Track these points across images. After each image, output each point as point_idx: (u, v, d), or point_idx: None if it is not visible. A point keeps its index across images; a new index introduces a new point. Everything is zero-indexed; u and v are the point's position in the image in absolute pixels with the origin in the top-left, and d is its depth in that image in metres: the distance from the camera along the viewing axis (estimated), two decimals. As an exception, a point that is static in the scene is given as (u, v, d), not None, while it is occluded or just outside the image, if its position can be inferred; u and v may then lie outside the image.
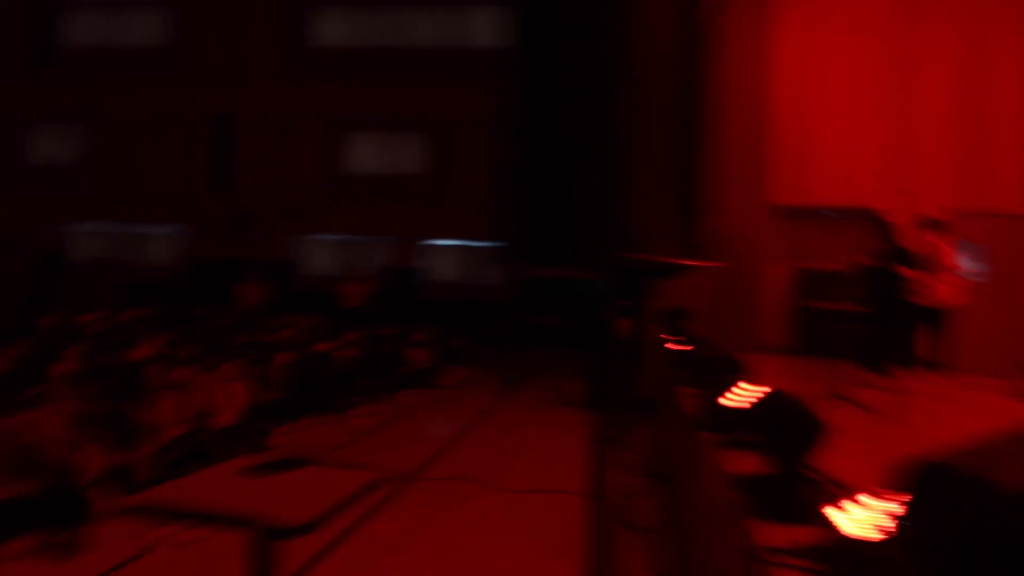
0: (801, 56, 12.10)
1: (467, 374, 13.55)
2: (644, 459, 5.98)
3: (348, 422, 9.10)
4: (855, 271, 9.10)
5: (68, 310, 12.48)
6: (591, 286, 15.63)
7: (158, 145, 23.04)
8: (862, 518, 2.19)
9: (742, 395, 3.74)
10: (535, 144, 3.94)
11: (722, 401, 4.06)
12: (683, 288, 11.05)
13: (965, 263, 8.18)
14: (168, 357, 7.71)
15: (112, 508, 4.95)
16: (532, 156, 3.94)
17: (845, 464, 3.79)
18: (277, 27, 22.72)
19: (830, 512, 2.45)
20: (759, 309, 11.97)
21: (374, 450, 7.94)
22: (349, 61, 22.39)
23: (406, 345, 12.84)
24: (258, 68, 22.59)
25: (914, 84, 11.74)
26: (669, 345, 7.65)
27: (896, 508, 1.75)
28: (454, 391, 12.17)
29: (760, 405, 3.23)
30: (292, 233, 22.31)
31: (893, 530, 1.65)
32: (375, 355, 11.63)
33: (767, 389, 3.27)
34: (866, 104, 11.83)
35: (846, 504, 2.41)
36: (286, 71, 22.61)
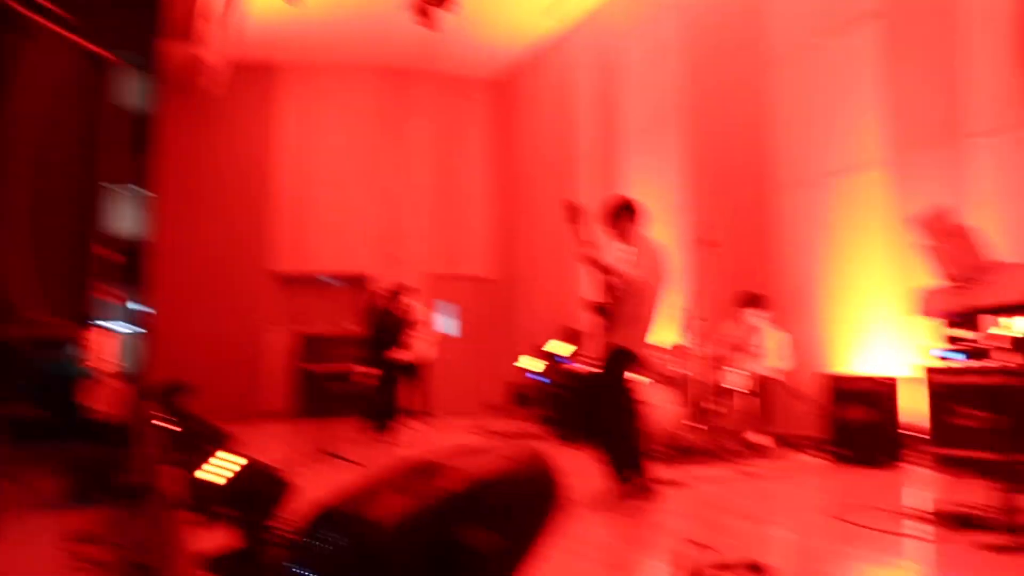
0: (302, 128, 12.60)
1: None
2: (126, 553, 5.37)
3: None
4: (352, 333, 9.62)
5: None
6: (60, 363, 13.74)
7: None
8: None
9: (218, 468, 3.59)
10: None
11: (199, 477, 3.84)
12: (180, 357, 10.43)
13: (438, 321, 9.22)
14: None
15: None
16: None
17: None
18: None
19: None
20: (260, 375, 11.89)
21: None
22: None
23: None
24: None
25: (401, 163, 13.11)
26: (159, 422, 7.08)
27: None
28: None
29: (234, 476, 3.13)
30: None
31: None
32: None
33: (236, 458, 3.18)
34: (360, 178, 12.80)
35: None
36: None
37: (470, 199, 13.54)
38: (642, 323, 4.73)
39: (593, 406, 4.86)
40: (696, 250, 8.13)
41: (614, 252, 4.84)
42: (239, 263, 11.95)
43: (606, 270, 4.73)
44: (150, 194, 11.77)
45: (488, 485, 1.33)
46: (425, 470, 1.41)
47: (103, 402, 6.56)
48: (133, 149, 11.24)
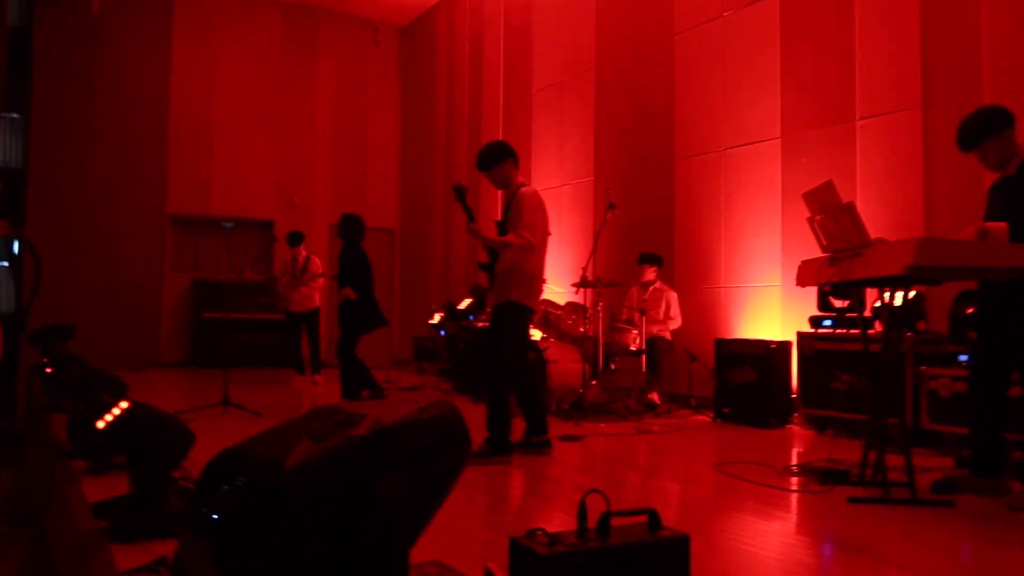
0: (201, 61, 12.02)
1: None
2: (11, 499, 5.18)
3: None
4: (254, 280, 9.40)
5: None
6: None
7: None
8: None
9: (110, 416, 3.50)
10: None
11: (94, 425, 3.74)
12: (71, 301, 9.97)
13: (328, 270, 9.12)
14: None
15: None
16: None
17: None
18: None
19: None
20: (157, 323, 11.49)
21: None
22: None
23: None
24: None
25: (305, 107, 12.72)
26: (46, 369, 6.78)
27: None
28: None
29: (124, 423, 3.07)
30: None
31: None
32: None
33: (126, 405, 3.12)
34: (262, 120, 12.35)
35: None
36: None
37: (376, 148, 13.31)
38: (528, 277, 4.72)
39: (495, 366, 4.88)
40: (597, 211, 8.32)
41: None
42: (132, 201, 11.39)
43: (494, 243, 4.75)
44: (29, 119, 11.03)
45: (395, 430, 1.38)
46: (329, 415, 1.45)
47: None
48: (11, 70, 10.46)
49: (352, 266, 7.66)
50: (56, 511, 3.94)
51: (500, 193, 5.08)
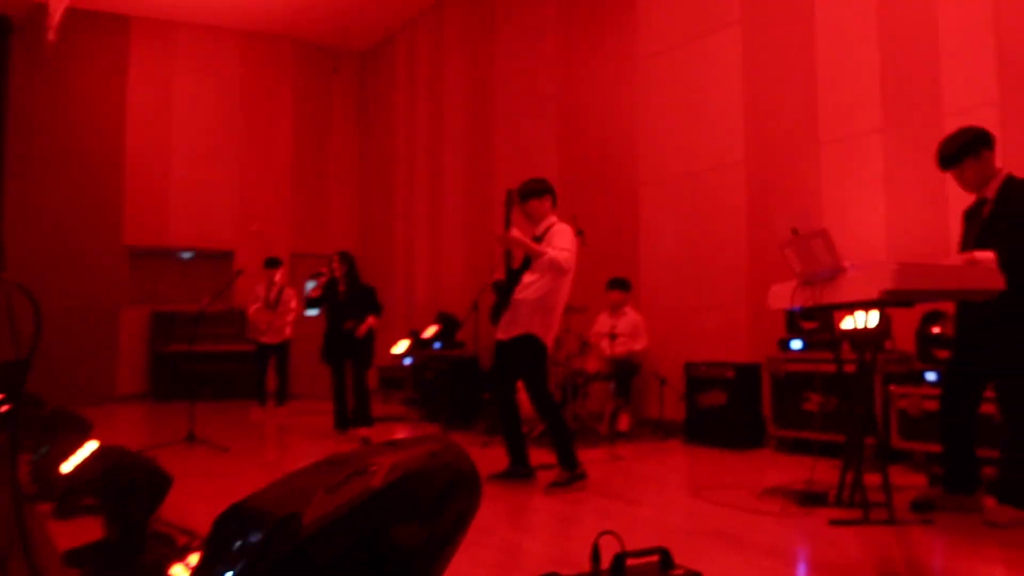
0: (158, 90, 11.84)
1: None
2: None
3: None
4: (212, 311, 9.22)
5: None
6: None
7: None
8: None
9: (79, 456, 3.39)
10: None
11: (58, 466, 3.62)
12: (25, 334, 9.65)
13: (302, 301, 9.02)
14: None
15: None
16: None
17: (199, 508, 3.74)
18: None
19: (175, 569, 2.37)
20: (115, 356, 11.19)
21: None
22: None
23: None
24: None
25: (264, 134, 12.59)
26: (3, 407, 6.54)
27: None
28: None
29: (96, 465, 2.97)
30: None
31: None
32: None
33: (96, 446, 3.03)
34: (219, 147, 12.18)
35: (191, 558, 2.36)
36: None
37: (337, 174, 13.21)
38: (550, 309, 4.61)
39: (498, 395, 4.79)
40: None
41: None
42: (89, 232, 11.13)
43: (532, 249, 4.57)
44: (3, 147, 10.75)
45: (412, 478, 1.36)
46: (342, 464, 1.41)
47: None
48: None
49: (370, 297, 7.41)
50: (18, 555, 3.78)
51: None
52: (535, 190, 4.80)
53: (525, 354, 4.61)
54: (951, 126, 4.24)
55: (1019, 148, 4.92)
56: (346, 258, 7.26)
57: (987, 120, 5.05)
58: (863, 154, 5.93)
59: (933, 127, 5.24)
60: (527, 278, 4.65)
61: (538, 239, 4.72)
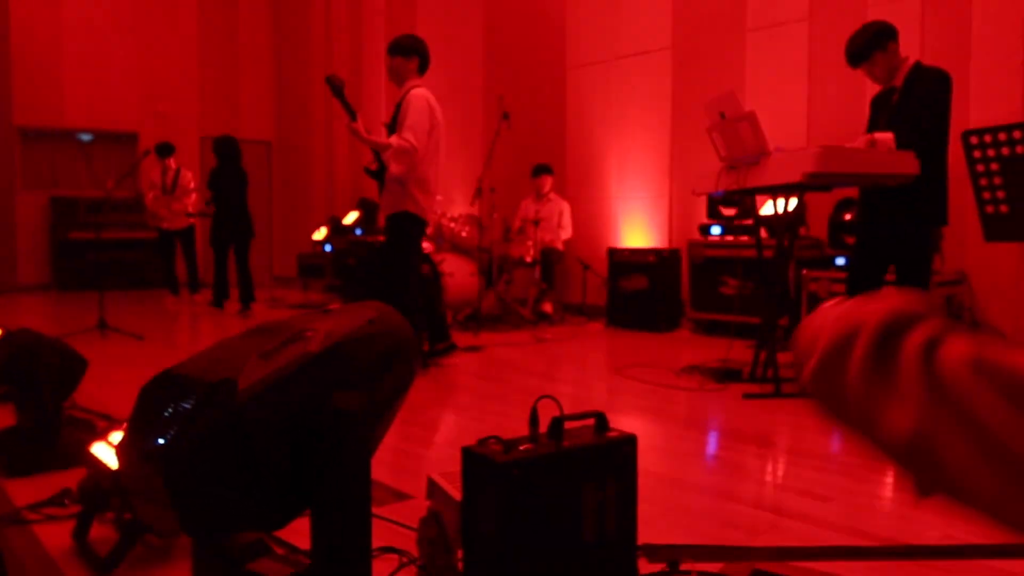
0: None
1: None
2: None
3: None
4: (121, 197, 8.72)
5: None
6: None
7: None
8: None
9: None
10: None
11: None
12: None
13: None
14: None
15: None
16: None
17: (116, 394, 3.65)
18: None
19: (95, 448, 2.30)
20: (12, 243, 10.58)
21: None
22: None
23: None
24: None
25: (167, 6, 11.68)
26: None
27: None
28: None
29: (6, 349, 2.82)
30: None
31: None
32: None
33: (0, 331, 2.87)
34: (120, 23, 11.26)
35: (112, 436, 2.30)
36: None
37: (248, 55, 12.46)
38: (419, 184, 4.50)
39: (382, 276, 4.75)
40: (488, 121, 8.18)
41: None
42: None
43: (375, 145, 4.48)
44: None
45: (350, 344, 1.32)
46: (275, 332, 1.36)
47: None
48: None
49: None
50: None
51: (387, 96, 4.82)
52: (402, 46, 4.58)
53: (404, 231, 4.53)
54: (874, 15, 4.26)
55: (939, 34, 5.00)
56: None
57: (910, 9, 5.11)
58: (788, 42, 5.93)
59: (857, 16, 5.25)
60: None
61: (396, 108, 4.54)
